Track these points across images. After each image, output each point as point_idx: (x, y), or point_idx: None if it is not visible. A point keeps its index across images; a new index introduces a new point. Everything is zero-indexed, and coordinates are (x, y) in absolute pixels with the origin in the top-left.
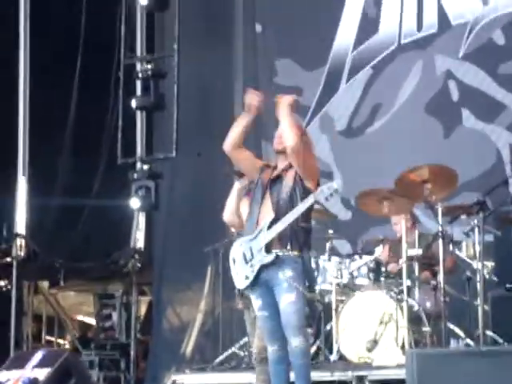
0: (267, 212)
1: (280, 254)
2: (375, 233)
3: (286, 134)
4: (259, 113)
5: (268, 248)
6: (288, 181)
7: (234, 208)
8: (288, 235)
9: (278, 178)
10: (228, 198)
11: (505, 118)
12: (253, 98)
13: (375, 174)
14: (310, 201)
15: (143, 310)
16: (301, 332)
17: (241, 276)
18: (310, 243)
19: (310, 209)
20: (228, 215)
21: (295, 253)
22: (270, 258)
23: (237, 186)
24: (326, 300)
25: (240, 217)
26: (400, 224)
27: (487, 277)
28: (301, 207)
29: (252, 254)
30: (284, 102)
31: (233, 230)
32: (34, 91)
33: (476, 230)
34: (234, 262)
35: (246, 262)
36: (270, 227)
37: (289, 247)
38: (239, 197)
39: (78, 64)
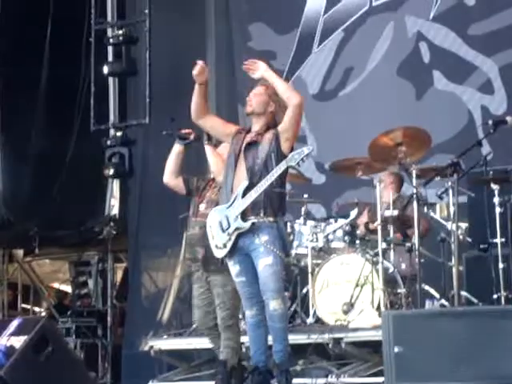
0: (242, 178)
1: (255, 220)
2: (349, 196)
3: (289, 92)
4: (205, 80)
5: (244, 215)
6: (264, 145)
7: (171, 169)
8: (263, 201)
9: (253, 143)
10: (167, 160)
11: (476, 78)
12: (195, 69)
13: (348, 137)
14: (282, 167)
15: (119, 276)
16: (279, 295)
17: (218, 245)
18: (284, 208)
19: (285, 174)
20: (167, 177)
21: (270, 218)
22: (246, 225)
23: (176, 148)
24: (302, 264)
25: (179, 179)
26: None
27: (461, 238)
28: (274, 174)
29: (228, 223)
30: (263, 67)
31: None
32: (4, 57)
33: (450, 191)
34: (211, 230)
35: (223, 231)
36: (244, 194)
37: (264, 213)
38: (178, 158)
39: (48, 31)
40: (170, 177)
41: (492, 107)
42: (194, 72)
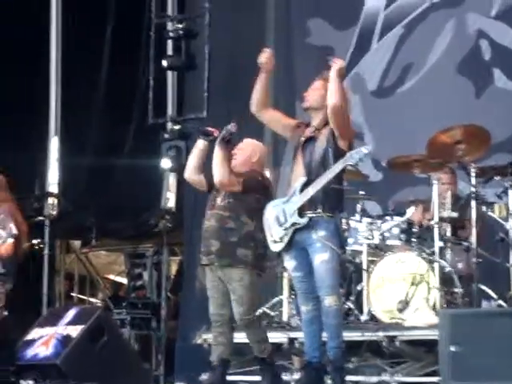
0: (299, 174)
1: (312, 216)
2: (406, 194)
3: (331, 92)
4: (271, 68)
5: (301, 211)
6: (321, 141)
7: (194, 165)
8: (320, 197)
9: (311, 138)
10: (190, 156)
11: None
12: (262, 56)
13: (406, 134)
14: (340, 166)
15: (174, 269)
16: (334, 291)
17: (275, 239)
18: (342, 205)
19: (343, 170)
20: (189, 173)
21: (328, 214)
22: (303, 221)
23: (200, 144)
24: (357, 261)
25: (201, 175)
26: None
27: None
28: (332, 172)
29: (285, 217)
30: (335, 66)
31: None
32: (65, 51)
33: (509, 191)
34: (268, 224)
35: (280, 225)
36: (302, 190)
37: (321, 209)
38: (201, 155)
39: (109, 24)
40: (192, 173)
41: None
42: (262, 59)
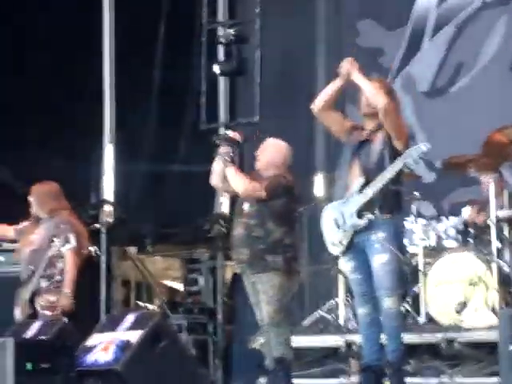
0: (356, 175)
1: (371, 217)
2: (459, 195)
3: (373, 96)
4: (349, 80)
5: (359, 212)
6: (376, 143)
7: (219, 173)
8: (379, 199)
9: (366, 141)
10: (214, 162)
11: None
12: (343, 66)
13: (459, 134)
14: (399, 164)
15: (229, 274)
16: (394, 293)
17: (334, 241)
18: (401, 206)
19: (401, 172)
20: (215, 180)
21: (387, 216)
22: (361, 222)
23: (223, 150)
24: (413, 262)
25: (225, 182)
26: (488, 184)
27: None
28: (390, 171)
29: (344, 220)
30: (351, 69)
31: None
32: (118, 58)
33: None
34: (326, 227)
35: (338, 227)
36: (360, 191)
37: (380, 211)
38: (225, 159)
39: (161, 30)
40: (218, 179)
41: None
42: (343, 69)
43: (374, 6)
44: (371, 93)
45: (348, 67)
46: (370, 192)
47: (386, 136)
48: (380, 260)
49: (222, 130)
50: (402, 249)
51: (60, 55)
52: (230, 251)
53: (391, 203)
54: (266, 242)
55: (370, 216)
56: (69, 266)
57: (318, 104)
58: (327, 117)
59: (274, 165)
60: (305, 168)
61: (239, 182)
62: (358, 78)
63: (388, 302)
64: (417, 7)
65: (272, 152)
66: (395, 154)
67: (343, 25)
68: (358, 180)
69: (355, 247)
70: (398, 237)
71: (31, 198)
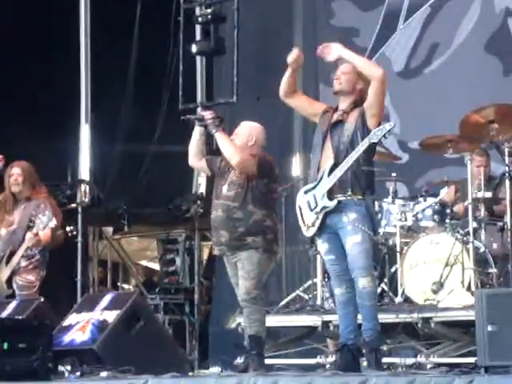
0: (328, 157)
1: (342, 199)
2: (433, 175)
3: (369, 67)
4: (298, 66)
5: (330, 194)
6: (349, 124)
7: (194, 152)
8: (350, 180)
9: (339, 122)
10: (190, 143)
11: None
12: (289, 57)
13: (433, 114)
14: (365, 144)
15: (206, 254)
16: (368, 273)
17: (307, 224)
18: (373, 187)
19: (372, 152)
20: (191, 160)
21: (358, 197)
22: (332, 204)
23: (197, 130)
24: (390, 243)
25: (202, 160)
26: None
27: None
28: (357, 151)
29: (316, 202)
30: (337, 47)
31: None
32: (94, 38)
33: None
34: (301, 210)
35: (311, 210)
36: (330, 173)
37: (351, 192)
38: (200, 141)
39: (137, 10)
40: (194, 159)
41: None
42: (289, 59)
43: None
44: (366, 64)
45: (293, 57)
46: (339, 173)
47: (359, 116)
48: (352, 241)
49: (199, 110)
50: (374, 229)
51: (36, 35)
52: (206, 232)
53: (363, 184)
54: (246, 224)
55: (340, 197)
56: (43, 238)
57: (281, 91)
58: (294, 101)
59: (248, 147)
60: (282, 148)
61: (234, 152)
62: (347, 53)
63: (362, 282)
64: None
65: (246, 134)
66: (367, 134)
67: (319, 5)
68: (328, 162)
69: (328, 229)
70: (369, 217)
71: (16, 173)
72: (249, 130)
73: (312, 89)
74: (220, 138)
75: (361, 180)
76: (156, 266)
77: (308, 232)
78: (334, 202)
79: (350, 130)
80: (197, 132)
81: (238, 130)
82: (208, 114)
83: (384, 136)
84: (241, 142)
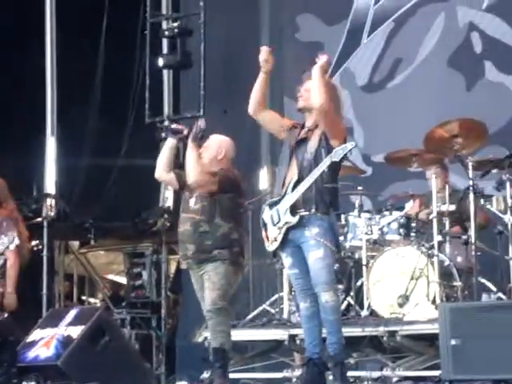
0: (293, 173)
1: (305, 214)
2: (396, 189)
3: (314, 93)
4: (270, 67)
5: (293, 210)
6: (313, 141)
7: (163, 164)
8: (313, 196)
9: (304, 139)
10: (159, 155)
11: None
12: (261, 55)
13: (396, 129)
14: (326, 162)
15: (173, 268)
16: (330, 287)
17: (270, 238)
18: (337, 203)
19: (336, 169)
20: (159, 172)
21: (321, 212)
22: (294, 219)
23: (169, 142)
24: (356, 256)
25: (171, 174)
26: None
27: None
28: (319, 168)
29: (279, 217)
30: (318, 64)
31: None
32: (61, 51)
33: (507, 183)
34: (265, 224)
35: (274, 225)
36: (293, 189)
37: (314, 208)
38: (170, 154)
39: (103, 24)
40: (162, 172)
41: None
42: (261, 57)
43: (315, 0)
44: (314, 89)
45: (264, 55)
46: (301, 189)
47: (322, 134)
48: (315, 256)
49: (166, 124)
50: (336, 244)
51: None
52: (174, 245)
53: (326, 200)
54: (213, 237)
55: (302, 212)
56: (11, 266)
57: (250, 106)
58: (262, 117)
59: (217, 161)
60: (249, 162)
61: (194, 170)
62: (314, 73)
63: (325, 296)
64: (357, 2)
65: (216, 148)
66: (331, 152)
67: (284, 19)
68: (293, 178)
69: (291, 243)
70: (332, 232)
71: None
72: (218, 144)
73: (277, 102)
74: (191, 151)
75: (324, 196)
76: (123, 280)
77: (271, 246)
78: (297, 217)
79: (313, 148)
80: (169, 144)
81: (208, 143)
82: (185, 128)
83: (345, 155)
84: (210, 155)
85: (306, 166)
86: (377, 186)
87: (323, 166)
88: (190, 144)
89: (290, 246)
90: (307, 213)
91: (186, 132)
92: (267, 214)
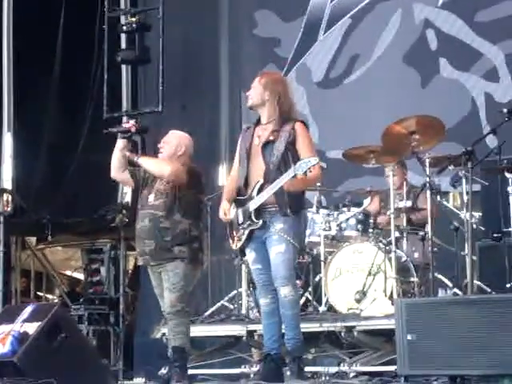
0: (257, 175)
1: (271, 210)
2: (351, 185)
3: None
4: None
5: (258, 213)
6: (279, 144)
7: (117, 164)
8: (279, 199)
9: (270, 141)
10: (113, 155)
11: (480, 66)
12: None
13: (352, 124)
14: (290, 174)
15: (131, 264)
16: (289, 282)
17: (234, 237)
18: (302, 204)
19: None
20: (113, 172)
21: (287, 211)
22: (258, 224)
23: (119, 142)
24: (315, 252)
25: (125, 173)
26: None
27: (475, 227)
28: (282, 179)
29: (243, 218)
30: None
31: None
32: (17, 47)
33: (464, 180)
34: (231, 223)
35: (239, 225)
36: (259, 192)
37: (279, 207)
38: (122, 153)
39: (61, 19)
40: (117, 172)
41: (497, 95)
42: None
43: None
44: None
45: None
46: (265, 195)
47: (288, 137)
48: (276, 250)
49: (124, 119)
50: (300, 240)
51: None
52: (132, 241)
53: (292, 203)
54: (172, 233)
55: (266, 216)
56: None
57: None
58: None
59: (177, 156)
60: (208, 158)
61: (164, 165)
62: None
63: (284, 291)
64: None
65: (175, 144)
66: (296, 158)
67: (242, 14)
68: (258, 181)
69: (256, 238)
70: (296, 228)
71: None
72: (178, 140)
73: (236, 97)
74: (144, 159)
75: (290, 199)
76: (81, 276)
77: (235, 245)
78: (260, 222)
79: (280, 152)
80: (119, 144)
81: (167, 138)
82: (131, 126)
83: (309, 169)
84: (169, 151)
85: (272, 169)
86: (331, 182)
87: (286, 177)
88: (141, 158)
89: (255, 241)
90: (273, 209)
91: (134, 130)
92: (233, 213)
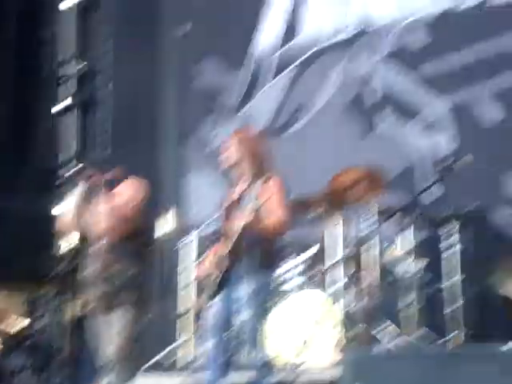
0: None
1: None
2: (293, 235)
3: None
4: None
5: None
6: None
7: (73, 213)
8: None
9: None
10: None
11: (424, 117)
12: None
13: (296, 174)
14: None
15: (75, 313)
16: None
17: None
18: (272, 263)
19: None
20: (64, 221)
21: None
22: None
23: (80, 188)
24: None
25: (75, 221)
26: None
27: (419, 275)
28: None
29: None
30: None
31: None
32: None
33: (408, 229)
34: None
35: None
36: None
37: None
38: (77, 203)
39: (10, 66)
40: (69, 221)
41: (440, 146)
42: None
43: (218, 44)
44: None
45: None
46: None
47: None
48: None
49: (72, 165)
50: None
51: None
52: (77, 289)
53: (260, 261)
54: (120, 279)
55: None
56: None
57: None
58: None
59: (131, 206)
60: (155, 202)
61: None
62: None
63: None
64: (259, 48)
65: (130, 193)
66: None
67: (189, 61)
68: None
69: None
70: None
71: None
72: (133, 189)
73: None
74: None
75: (260, 257)
76: (22, 325)
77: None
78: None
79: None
80: (78, 192)
81: (120, 188)
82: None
83: None
84: (127, 197)
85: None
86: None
87: None
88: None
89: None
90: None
91: (95, 180)
92: None
